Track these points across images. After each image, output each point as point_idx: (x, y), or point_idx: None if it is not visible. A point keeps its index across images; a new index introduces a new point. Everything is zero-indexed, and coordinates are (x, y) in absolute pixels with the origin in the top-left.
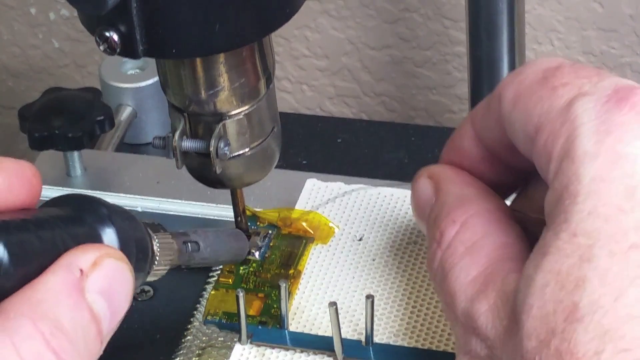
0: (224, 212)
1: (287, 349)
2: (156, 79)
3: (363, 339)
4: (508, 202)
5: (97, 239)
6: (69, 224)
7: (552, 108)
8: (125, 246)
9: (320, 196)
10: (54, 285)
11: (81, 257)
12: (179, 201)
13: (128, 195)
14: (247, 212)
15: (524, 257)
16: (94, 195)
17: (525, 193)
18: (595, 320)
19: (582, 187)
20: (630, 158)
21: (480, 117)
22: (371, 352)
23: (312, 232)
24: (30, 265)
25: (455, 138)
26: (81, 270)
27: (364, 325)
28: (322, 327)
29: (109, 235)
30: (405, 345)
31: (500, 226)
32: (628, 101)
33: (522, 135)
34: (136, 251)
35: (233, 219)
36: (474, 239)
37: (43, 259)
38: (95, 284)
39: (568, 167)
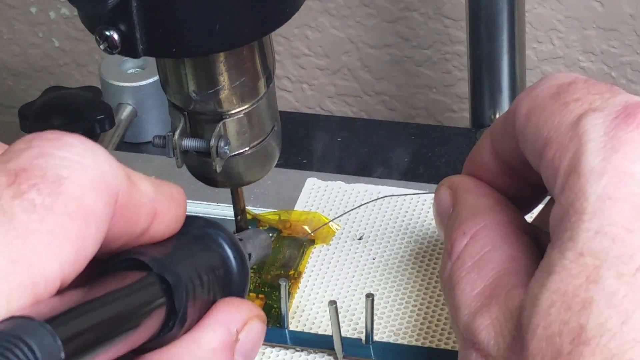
0: (224, 210)
1: (287, 348)
2: (156, 77)
3: (363, 338)
4: (530, 217)
5: (232, 276)
6: (214, 262)
7: (562, 123)
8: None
9: (320, 195)
10: (214, 345)
11: (237, 317)
12: None
13: None
14: (248, 216)
15: (532, 271)
16: None
17: (545, 209)
18: (602, 344)
19: (589, 204)
20: (636, 176)
21: (498, 132)
22: (371, 350)
23: (313, 235)
24: (192, 314)
25: (475, 151)
26: (236, 331)
27: (363, 324)
28: (322, 326)
29: (241, 274)
30: (405, 343)
31: (509, 239)
32: (636, 118)
33: (532, 150)
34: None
35: (233, 218)
36: (482, 252)
37: (202, 303)
38: (242, 347)
39: (574, 183)
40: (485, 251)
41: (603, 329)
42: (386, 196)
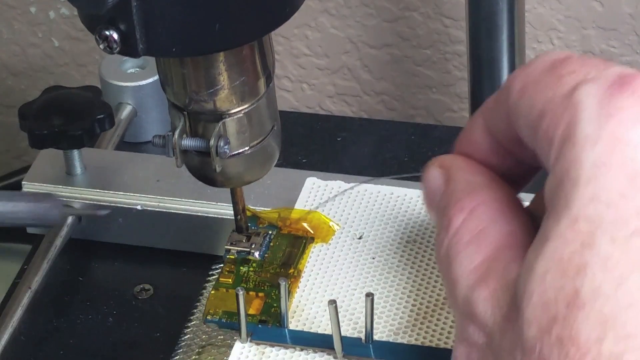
0: (224, 210)
1: (287, 347)
2: (156, 77)
3: (363, 337)
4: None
5: None
6: None
7: (556, 95)
8: None
9: (320, 195)
10: None
11: None
12: (179, 199)
13: (128, 194)
14: (248, 213)
15: (529, 246)
16: (94, 193)
17: (539, 195)
18: (597, 307)
19: (583, 171)
20: (631, 143)
21: (490, 110)
22: (371, 349)
23: (312, 232)
24: None
25: (467, 130)
26: None
27: (363, 323)
28: (322, 325)
29: None
30: (405, 342)
31: (507, 215)
32: (630, 85)
33: (526, 124)
34: None
35: (233, 218)
36: (481, 227)
37: None
38: None
39: (569, 151)
40: (484, 226)
41: (597, 293)
42: (363, 182)
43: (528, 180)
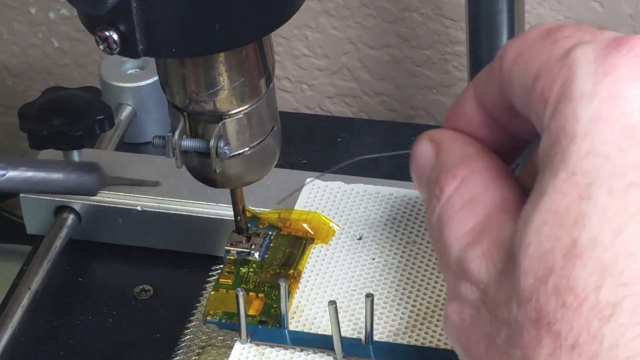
0: (224, 211)
1: (287, 348)
2: (156, 78)
3: (363, 338)
4: None
5: None
6: None
7: (551, 57)
8: None
9: (320, 195)
10: None
11: None
12: (179, 200)
13: (128, 195)
14: (247, 213)
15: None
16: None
17: (528, 168)
18: (595, 256)
19: (580, 126)
20: (628, 98)
21: (482, 81)
22: (371, 350)
23: (312, 233)
24: None
25: (458, 103)
26: None
27: (363, 324)
28: (322, 326)
29: None
30: (405, 343)
31: (500, 182)
32: (626, 44)
33: (520, 89)
34: None
35: (233, 218)
36: (473, 193)
37: None
38: None
39: (565, 107)
40: (477, 192)
41: (595, 242)
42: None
43: (517, 154)
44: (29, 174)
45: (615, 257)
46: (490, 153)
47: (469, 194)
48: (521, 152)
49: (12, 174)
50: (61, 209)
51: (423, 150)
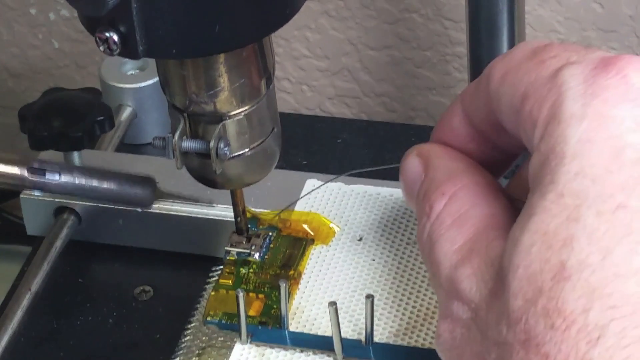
0: (224, 212)
1: (287, 349)
2: (156, 79)
3: (363, 339)
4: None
5: None
6: None
7: (539, 77)
8: None
9: (320, 196)
10: None
11: None
12: (179, 201)
13: None
14: (247, 214)
15: (511, 227)
16: None
17: (516, 178)
18: (583, 279)
19: (569, 148)
20: (617, 119)
21: (470, 97)
22: (371, 351)
23: (312, 234)
24: None
25: (445, 117)
26: None
27: (363, 325)
28: (322, 327)
29: None
30: (405, 344)
31: (488, 198)
32: (615, 66)
33: (508, 108)
34: None
35: (233, 219)
36: (462, 210)
37: None
38: None
39: (554, 129)
40: (465, 209)
41: (584, 265)
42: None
43: (506, 167)
44: (82, 180)
45: (603, 280)
46: (478, 167)
47: (458, 210)
48: (510, 164)
49: (65, 179)
50: (61, 210)
51: (411, 165)
